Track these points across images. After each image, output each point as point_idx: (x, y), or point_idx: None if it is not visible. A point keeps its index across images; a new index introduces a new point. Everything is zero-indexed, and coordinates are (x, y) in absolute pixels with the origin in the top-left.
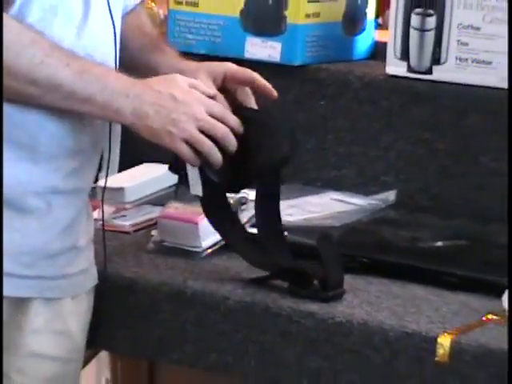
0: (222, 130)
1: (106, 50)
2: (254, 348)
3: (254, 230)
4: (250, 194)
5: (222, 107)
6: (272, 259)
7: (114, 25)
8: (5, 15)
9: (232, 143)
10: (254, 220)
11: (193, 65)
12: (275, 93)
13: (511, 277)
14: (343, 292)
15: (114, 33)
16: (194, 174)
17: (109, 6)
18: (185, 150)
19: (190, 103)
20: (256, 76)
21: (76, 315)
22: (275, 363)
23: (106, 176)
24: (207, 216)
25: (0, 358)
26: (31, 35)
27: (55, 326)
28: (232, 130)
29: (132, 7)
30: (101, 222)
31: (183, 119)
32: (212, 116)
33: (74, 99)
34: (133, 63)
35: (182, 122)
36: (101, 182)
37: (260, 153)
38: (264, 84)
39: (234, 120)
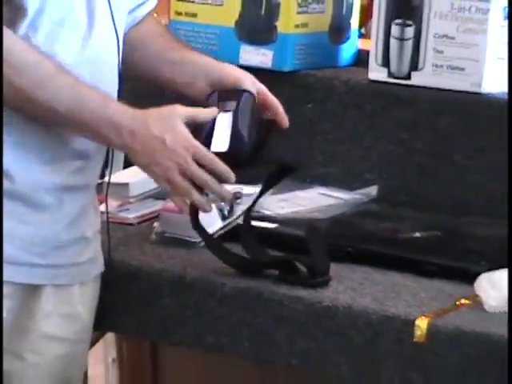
0: (201, 180)
1: (109, 59)
2: (248, 330)
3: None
4: (245, 188)
5: (210, 156)
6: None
7: (117, 35)
8: (12, 34)
9: (214, 188)
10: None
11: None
12: (287, 123)
13: (511, 275)
14: (329, 279)
15: (118, 42)
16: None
17: (112, 17)
18: (167, 188)
19: (177, 150)
20: (281, 109)
21: (84, 300)
22: (267, 344)
23: (110, 172)
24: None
25: (0, 358)
26: (36, 56)
27: (65, 310)
28: (220, 176)
29: (141, 18)
30: (106, 215)
31: (167, 164)
32: (199, 162)
33: (68, 123)
34: (157, 66)
35: (166, 166)
36: (107, 178)
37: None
38: (283, 117)
39: (222, 167)
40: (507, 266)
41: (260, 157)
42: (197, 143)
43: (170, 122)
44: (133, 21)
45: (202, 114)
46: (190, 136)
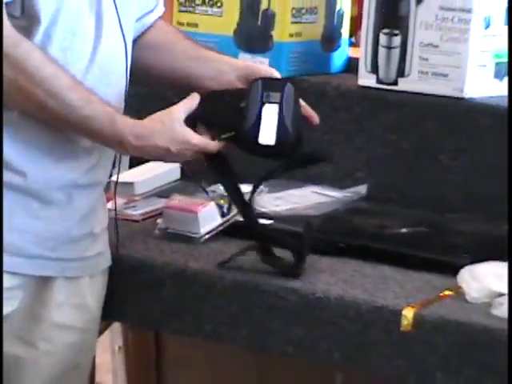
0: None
1: (118, 65)
2: (245, 320)
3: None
4: (242, 187)
5: (209, 146)
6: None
7: (125, 41)
8: (31, 45)
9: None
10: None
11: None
12: (318, 120)
13: (511, 274)
14: (302, 271)
15: (126, 48)
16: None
17: (120, 25)
18: None
19: (180, 154)
20: (310, 109)
21: (93, 291)
22: (263, 333)
23: (118, 172)
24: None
25: (0, 356)
26: (53, 68)
27: (75, 301)
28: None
29: (150, 24)
30: (114, 212)
31: (173, 161)
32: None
33: (78, 132)
34: (185, 64)
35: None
36: (114, 178)
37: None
38: (314, 115)
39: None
40: (507, 265)
41: (300, 148)
42: (197, 140)
43: (171, 128)
44: (142, 27)
45: (188, 103)
46: (191, 134)
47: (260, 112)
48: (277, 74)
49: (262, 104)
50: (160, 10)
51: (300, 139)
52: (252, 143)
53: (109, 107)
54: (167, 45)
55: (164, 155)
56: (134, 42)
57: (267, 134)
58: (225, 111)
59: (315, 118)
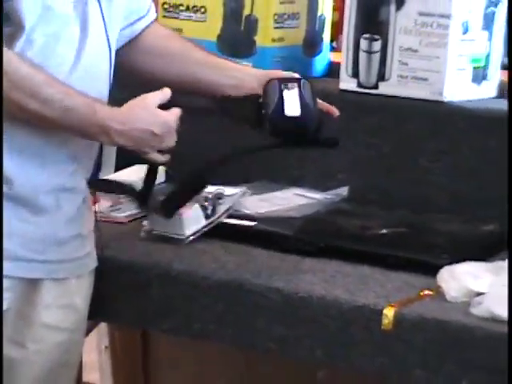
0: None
1: (102, 69)
2: (231, 319)
3: (230, 221)
4: (226, 189)
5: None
6: None
7: (109, 46)
8: (7, 49)
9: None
10: (229, 212)
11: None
12: (337, 112)
13: (511, 273)
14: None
15: (110, 53)
16: (292, 96)
17: (105, 30)
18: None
19: (164, 135)
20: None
21: (80, 292)
22: (248, 332)
23: (102, 175)
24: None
25: (0, 356)
26: (27, 67)
27: (63, 302)
28: None
29: (143, 28)
30: (100, 214)
31: (158, 146)
32: None
33: (60, 127)
34: (199, 71)
35: (157, 147)
36: None
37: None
38: (333, 108)
39: None
40: (507, 264)
41: (320, 135)
42: (173, 118)
43: (151, 113)
44: (131, 33)
45: (162, 94)
46: (169, 115)
47: (282, 95)
48: (296, 76)
49: (282, 91)
50: (152, 14)
51: (321, 120)
52: (280, 118)
53: (88, 98)
54: (181, 53)
55: (149, 140)
56: (130, 46)
57: (292, 107)
58: (244, 108)
59: (334, 109)
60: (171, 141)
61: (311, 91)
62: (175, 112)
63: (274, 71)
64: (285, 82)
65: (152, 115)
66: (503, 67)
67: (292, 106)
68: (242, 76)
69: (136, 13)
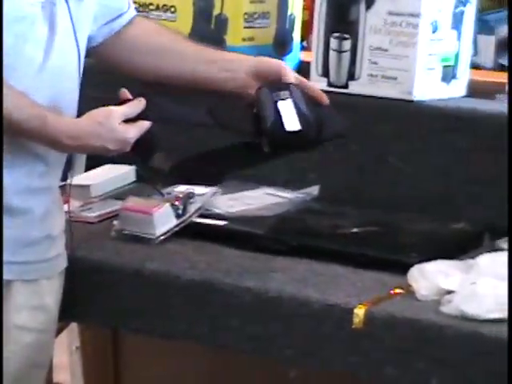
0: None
1: (70, 70)
2: (202, 318)
3: (201, 220)
4: (197, 188)
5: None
6: None
7: (78, 47)
8: None
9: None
10: (200, 211)
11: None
12: (327, 100)
13: (511, 272)
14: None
15: (79, 54)
16: (288, 109)
17: (74, 30)
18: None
19: (119, 150)
20: (319, 90)
21: (51, 293)
22: (220, 332)
23: (72, 175)
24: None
25: (0, 356)
26: None
27: (34, 303)
28: None
29: (128, 21)
30: (70, 214)
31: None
32: None
33: (14, 136)
34: (190, 67)
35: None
36: (70, 181)
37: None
38: (323, 95)
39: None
40: (507, 264)
41: (323, 131)
42: (133, 134)
43: (109, 128)
44: (111, 31)
45: (132, 108)
46: (129, 131)
47: (277, 108)
48: (289, 71)
49: (275, 102)
50: (133, 11)
51: (320, 123)
52: (281, 133)
53: (40, 109)
54: (169, 48)
55: (103, 153)
56: (114, 43)
57: (291, 122)
58: (238, 119)
59: (323, 96)
60: (125, 150)
61: (302, 97)
62: (139, 126)
63: (263, 58)
64: (275, 90)
65: (109, 131)
66: (472, 66)
67: (291, 119)
68: (233, 68)
69: (115, 10)
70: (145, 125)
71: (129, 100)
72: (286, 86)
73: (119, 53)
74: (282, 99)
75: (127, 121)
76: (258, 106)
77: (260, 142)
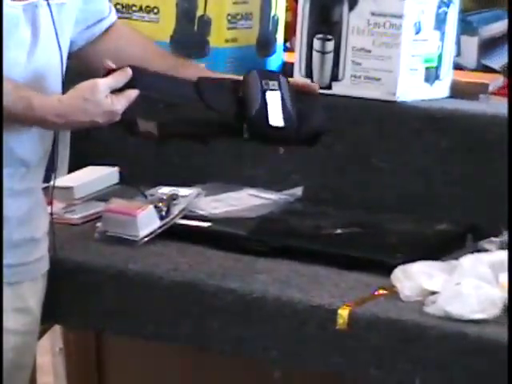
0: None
1: (53, 71)
2: (185, 320)
3: (185, 222)
4: (181, 190)
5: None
6: None
7: (60, 49)
8: None
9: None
10: (184, 212)
11: None
12: (317, 88)
13: (511, 272)
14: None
15: (61, 56)
16: (275, 103)
17: (56, 34)
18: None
19: (108, 122)
20: (308, 82)
21: (34, 294)
22: (203, 333)
23: (55, 177)
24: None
25: (0, 356)
26: None
27: (17, 305)
28: None
29: (108, 26)
30: (53, 216)
31: (107, 119)
32: None
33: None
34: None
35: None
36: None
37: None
38: (313, 85)
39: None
40: (508, 263)
41: (303, 129)
42: (120, 107)
43: (95, 103)
44: (92, 35)
45: (118, 78)
46: (115, 105)
47: (264, 98)
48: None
49: (264, 91)
50: (114, 16)
51: (302, 121)
52: (263, 126)
53: (24, 91)
54: (148, 64)
55: (93, 126)
56: (95, 47)
57: (276, 117)
58: (224, 100)
59: (313, 86)
60: (115, 120)
61: (289, 91)
62: (127, 96)
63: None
64: (264, 77)
65: (96, 106)
66: (455, 67)
67: (275, 114)
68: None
69: (96, 15)
70: (132, 94)
71: (114, 70)
72: (276, 76)
73: (100, 57)
74: (271, 90)
75: (114, 91)
76: (244, 91)
77: (241, 127)
